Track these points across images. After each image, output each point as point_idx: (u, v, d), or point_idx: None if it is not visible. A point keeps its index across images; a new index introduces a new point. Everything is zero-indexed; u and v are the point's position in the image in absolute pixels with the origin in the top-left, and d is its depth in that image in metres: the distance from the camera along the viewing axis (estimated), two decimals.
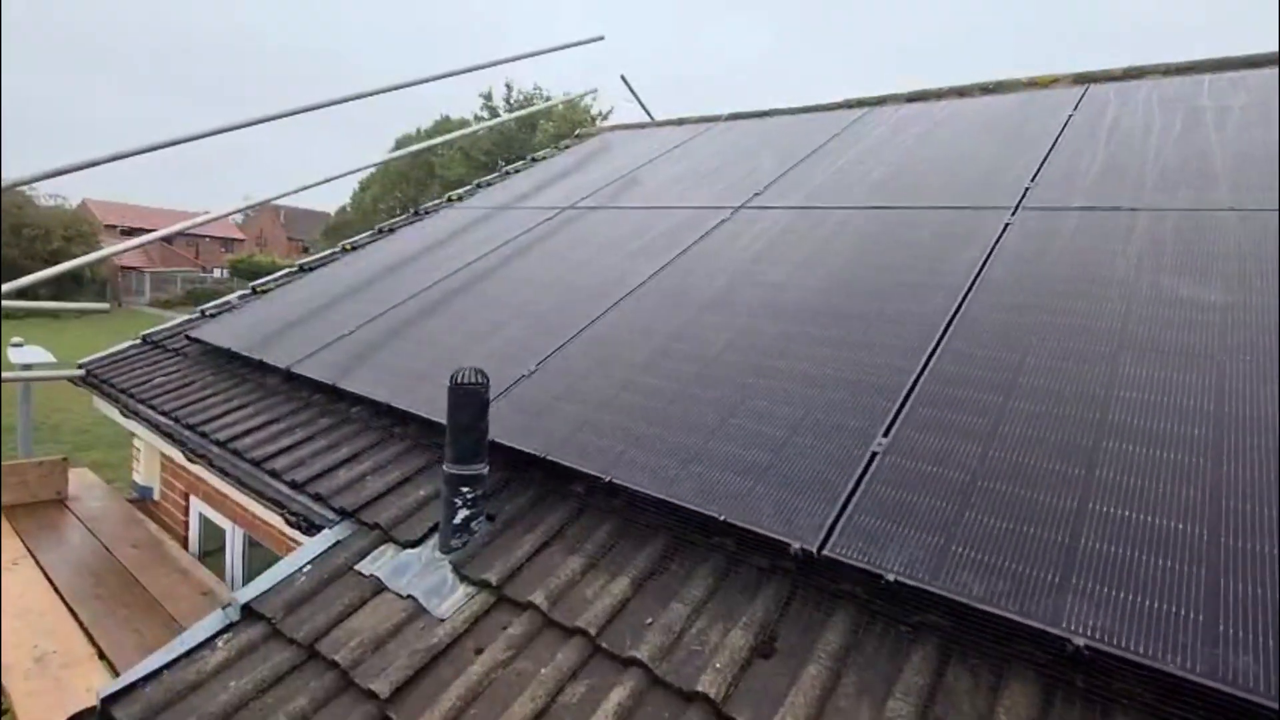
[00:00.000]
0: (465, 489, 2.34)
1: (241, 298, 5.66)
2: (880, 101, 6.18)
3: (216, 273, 48.45)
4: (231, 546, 4.11)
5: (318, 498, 2.77)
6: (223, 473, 3.30)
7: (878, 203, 3.74)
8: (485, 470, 2.38)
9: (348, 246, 6.30)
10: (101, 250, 5.04)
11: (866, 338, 2.57)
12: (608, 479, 2.24)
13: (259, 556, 4.00)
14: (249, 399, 3.83)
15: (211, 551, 4.44)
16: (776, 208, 4.04)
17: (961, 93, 5.77)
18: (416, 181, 41.88)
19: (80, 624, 3.24)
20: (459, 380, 2.32)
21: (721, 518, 1.96)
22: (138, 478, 4.94)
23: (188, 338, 4.73)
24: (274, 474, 3.03)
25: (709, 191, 4.67)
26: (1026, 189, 3.42)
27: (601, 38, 8.13)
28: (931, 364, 2.34)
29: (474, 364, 3.17)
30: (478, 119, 41.14)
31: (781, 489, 2.00)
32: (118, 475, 7.66)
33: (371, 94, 6.31)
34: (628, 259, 3.89)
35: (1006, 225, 3.12)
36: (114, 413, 4.54)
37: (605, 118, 41.69)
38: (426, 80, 6.70)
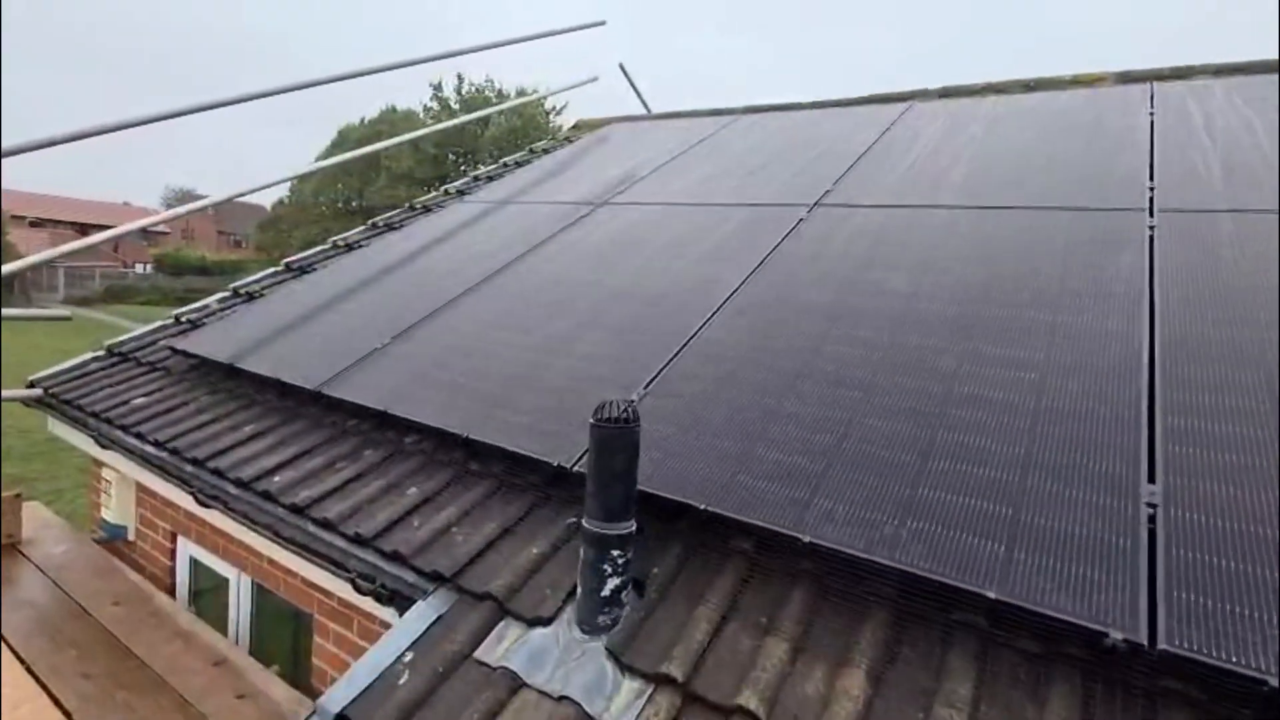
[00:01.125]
0: (615, 552, 1.88)
1: (223, 301, 4.96)
2: (904, 98, 5.93)
3: (139, 268, 45.31)
4: (237, 598, 3.48)
5: (395, 557, 2.25)
6: (248, 520, 2.72)
7: (980, 202, 3.42)
8: (634, 528, 1.92)
9: (339, 244, 5.65)
10: (71, 244, 4.27)
11: (1061, 358, 2.23)
12: (806, 539, 1.82)
13: (270, 606, 3.41)
14: (266, 426, 3.23)
15: (199, 593, 3.80)
16: (862, 206, 3.69)
17: (1000, 89, 5.58)
18: (360, 173, 40.17)
19: (66, 715, 2.61)
20: (606, 415, 1.86)
21: (992, 594, 1.57)
22: (108, 515, 4.20)
23: (171, 349, 4.04)
24: (325, 524, 2.48)
25: (767, 188, 4.28)
26: (1151, 190, 3.16)
27: (603, 22, 7.65)
28: (1161, 392, 2.01)
29: (559, 383, 2.72)
30: (426, 110, 39.76)
31: (1044, 553, 1.62)
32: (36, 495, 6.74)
33: (328, 81, 5.53)
34: (704, 263, 3.46)
35: (1153, 228, 2.84)
36: (81, 441, 3.82)
37: (559, 113, 41.02)
38: (398, 66, 6.03)
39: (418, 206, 6.31)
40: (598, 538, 1.87)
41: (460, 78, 39.07)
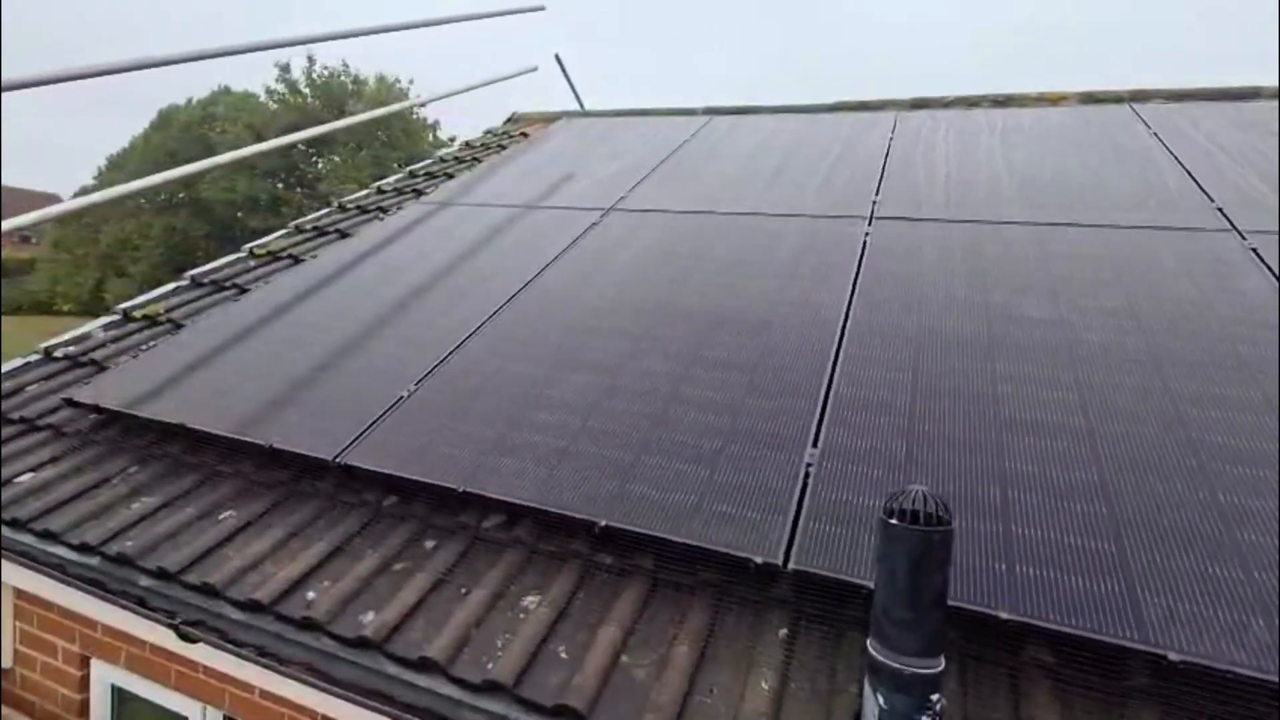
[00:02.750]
0: (936, 696, 1.40)
1: (112, 329, 3.79)
2: (877, 106, 5.87)
3: None
4: None
5: (560, 715, 1.60)
6: (273, 660, 1.90)
7: (1055, 219, 3.27)
8: (944, 663, 1.45)
9: (259, 252, 4.57)
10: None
11: None
12: (1181, 660, 1.44)
13: None
14: (255, 511, 2.36)
15: None
16: (926, 220, 3.42)
17: (971, 103, 5.64)
18: (190, 161, 35.37)
19: None
20: (915, 509, 1.38)
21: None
22: None
23: (69, 402, 2.94)
24: (422, 665, 1.75)
25: (803, 197, 3.92)
26: (1219, 208, 3.16)
27: (543, 7, 6.96)
28: None
29: (702, 444, 2.17)
30: (270, 93, 35.94)
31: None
32: None
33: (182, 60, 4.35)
34: (790, 282, 3.02)
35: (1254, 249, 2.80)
36: None
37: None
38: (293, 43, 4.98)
39: (349, 206, 5.31)
40: (918, 680, 1.38)
41: (311, 60, 35.63)
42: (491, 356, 2.78)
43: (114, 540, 2.30)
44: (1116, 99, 5.24)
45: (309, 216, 5.16)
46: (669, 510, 1.94)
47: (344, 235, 4.76)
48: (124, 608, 2.17)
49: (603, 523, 1.92)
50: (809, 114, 5.76)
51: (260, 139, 34.79)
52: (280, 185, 35.70)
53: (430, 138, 38.16)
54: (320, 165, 37.79)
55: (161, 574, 2.15)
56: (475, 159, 6.17)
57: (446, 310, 3.18)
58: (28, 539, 2.42)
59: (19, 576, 2.58)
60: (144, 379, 2.95)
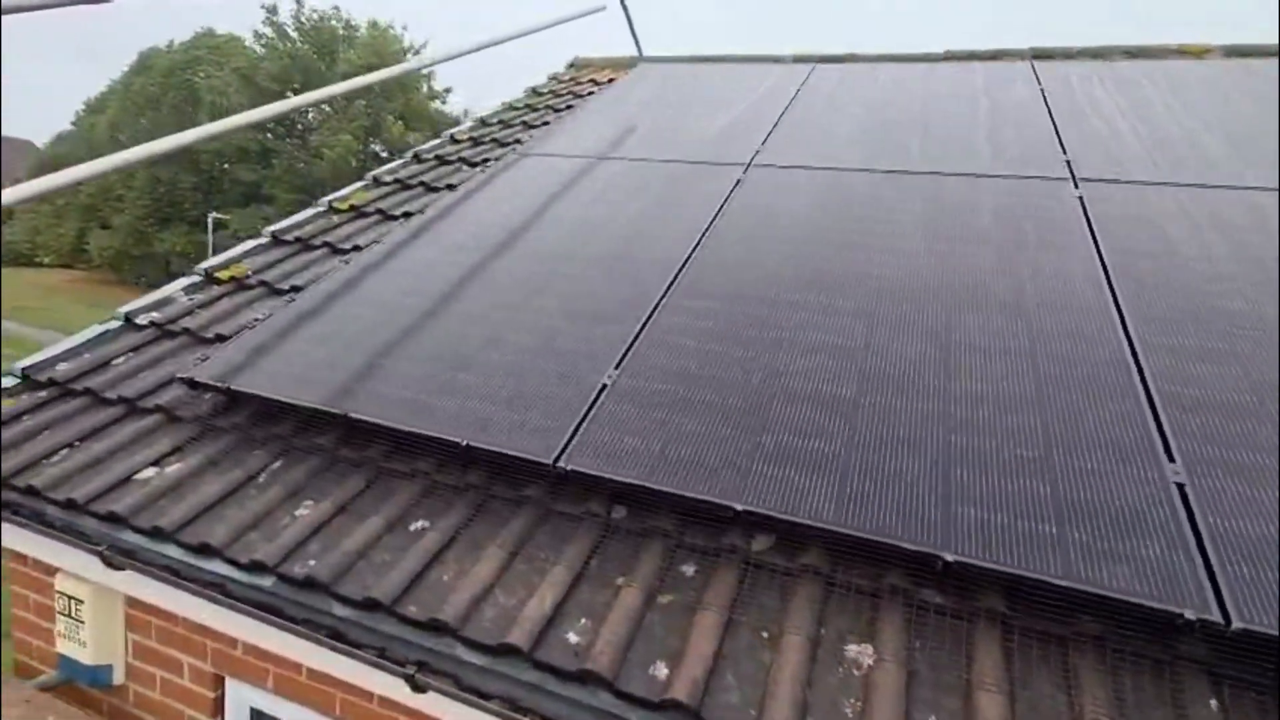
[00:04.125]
0: None
1: (194, 291, 3.31)
2: (991, 56, 5.38)
3: None
4: None
5: None
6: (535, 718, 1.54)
7: None
8: None
9: (339, 206, 4.07)
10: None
11: None
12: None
13: None
14: (452, 522, 1.96)
15: None
16: (1150, 183, 3.01)
17: (1097, 54, 5.17)
18: (174, 108, 33.89)
19: None
20: None
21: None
22: (73, 650, 2.59)
23: (189, 383, 2.49)
24: None
25: (982, 155, 3.47)
26: None
27: None
28: None
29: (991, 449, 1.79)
30: (258, 36, 34.23)
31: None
32: None
33: None
34: (1020, 252, 2.62)
35: None
36: (71, 559, 2.26)
37: (418, 51, 37.05)
38: None
39: (426, 157, 4.78)
40: None
41: (299, 2, 33.89)
42: (685, 336, 2.37)
43: (293, 558, 1.90)
44: (1265, 52, 4.81)
45: (385, 168, 4.63)
46: (1020, 540, 1.57)
47: (431, 188, 4.27)
48: (317, 643, 1.78)
49: (949, 558, 1.55)
50: (916, 63, 5.26)
51: (248, 84, 33.40)
52: (269, 135, 34.30)
53: (425, 88, 36.73)
54: (311, 115, 36.29)
55: (370, 604, 1.76)
56: (550, 107, 5.64)
57: (610, 279, 2.75)
58: (174, 552, 2.01)
59: (147, 588, 2.18)
60: (272, 356, 2.51)
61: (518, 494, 2.04)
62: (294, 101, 3.39)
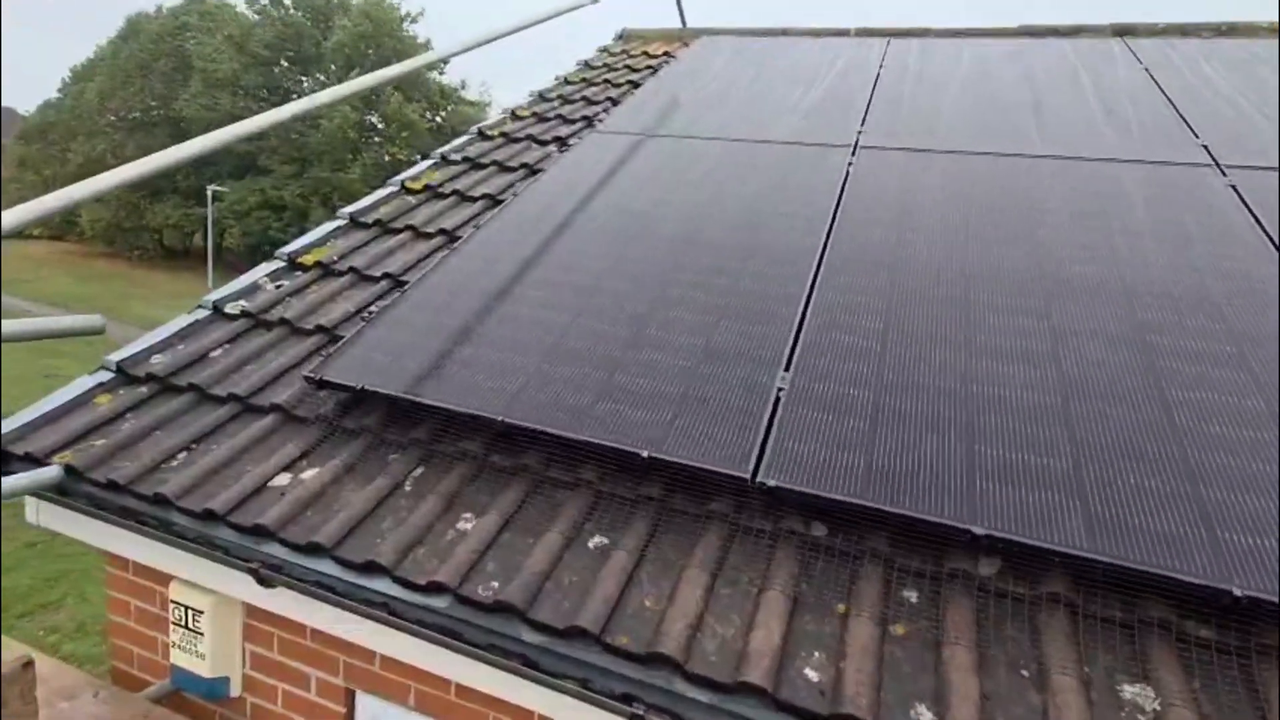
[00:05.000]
0: None
1: (278, 276, 3.12)
2: (1074, 33, 5.18)
3: None
4: None
5: None
6: None
7: None
8: None
9: (411, 186, 3.85)
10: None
11: None
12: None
13: None
14: (635, 540, 1.81)
15: None
16: None
17: (1186, 31, 4.99)
18: (165, 75, 32.90)
19: None
20: None
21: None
22: (188, 661, 2.45)
23: (319, 383, 2.31)
24: None
25: (1105, 136, 3.31)
26: None
27: None
28: None
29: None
30: (251, 2, 33.24)
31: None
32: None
33: None
34: (1184, 248, 2.47)
35: None
36: (191, 569, 2.10)
37: (415, 20, 36.08)
38: None
39: (492, 134, 4.56)
40: None
41: None
42: (850, 334, 2.22)
43: (472, 578, 1.75)
44: None
45: (451, 146, 4.41)
46: None
47: (505, 168, 4.07)
48: (511, 670, 1.65)
49: (1237, 592, 1.43)
50: (993, 38, 5.06)
51: (240, 51, 32.47)
52: (263, 105, 33.43)
53: None
54: (306, 85, 35.42)
55: (571, 632, 1.62)
56: (607, 81, 5.41)
57: (745, 270, 2.59)
58: (331, 568, 1.86)
59: (290, 604, 2.04)
60: (401, 353, 2.34)
61: (702, 509, 1.90)
62: (315, 99, 2.92)
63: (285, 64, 34.48)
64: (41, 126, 34.90)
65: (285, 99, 35.13)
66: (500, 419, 2.03)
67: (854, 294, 2.40)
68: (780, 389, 2.04)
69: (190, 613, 2.37)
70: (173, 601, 2.39)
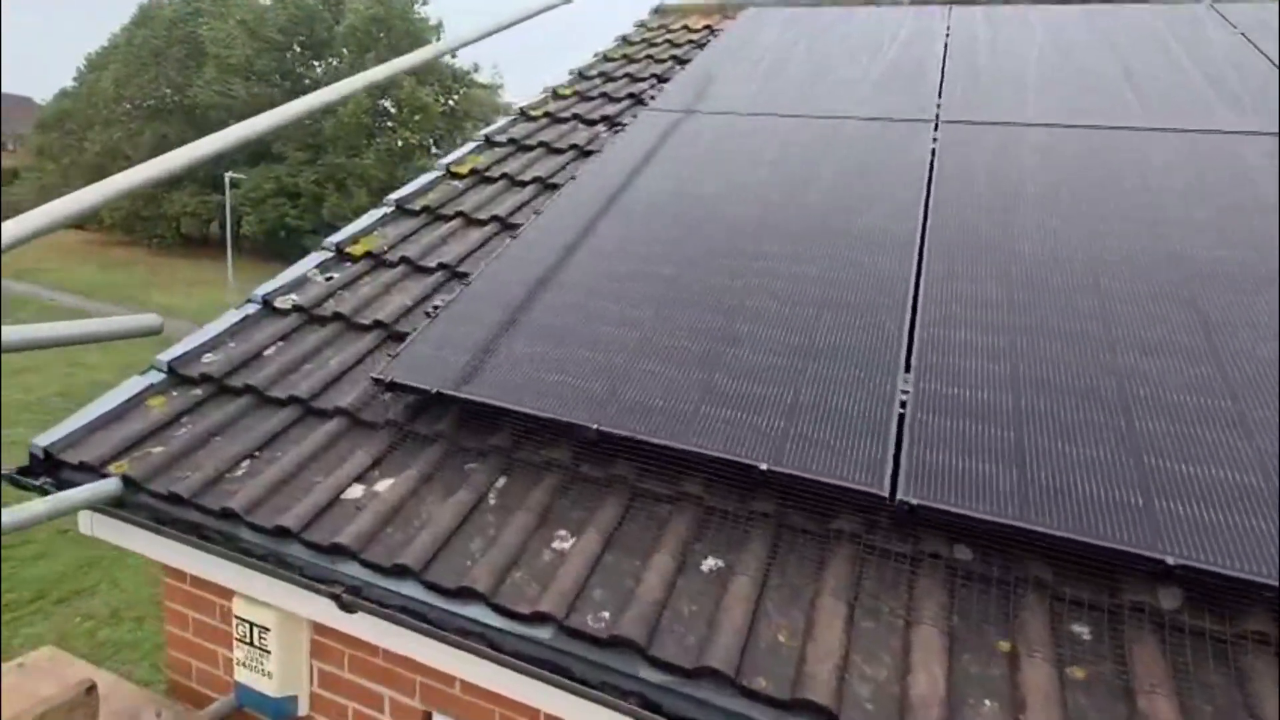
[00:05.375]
0: None
1: (326, 268, 2.95)
2: None
3: None
4: None
5: None
6: None
7: None
8: None
9: (457, 171, 3.65)
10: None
11: None
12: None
13: None
14: (752, 563, 1.64)
15: None
16: None
17: None
18: (178, 62, 32.77)
19: None
20: None
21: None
22: (253, 679, 2.31)
23: (389, 386, 2.14)
24: None
25: (1211, 109, 3.05)
26: None
27: None
28: None
29: None
30: None
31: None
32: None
33: None
34: None
35: None
36: (261, 586, 1.95)
37: (426, 2, 35.65)
38: None
39: (535, 115, 4.34)
40: None
41: None
42: (975, 331, 2.01)
43: (580, 607, 1.58)
44: None
45: (494, 127, 4.20)
46: None
47: (553, 149, 3.86)
48: (629, 715, 1.48)
49: None
50: (1059, 5, 4.75)
51: (253, 36, 32.26)
52: (275, 91, 33.27)
53: (435, 40, 35.44)
54: (319, 70, 35.18)
55: (700, 672, 1.44)
56: (650, 57, 5.16)
57: (838, 258, 2.37)
58: (417, 593, 1.70)
59: (361, 625, 1.88)
60: (474, 353, 2.16)
61: (824, 527, 1.71)
62: (334, 89, 2.63)
63: (298, 49, 34.24)
64: (58, 115, 34.94)
65: (297, 84, 34.97)
66: (594, 426, 1.85)
67: (967, 283, 2.19)
68: (904, 391, 1.84)
69: (256, 629, 2.22)
70: (237, 617, 2.25)
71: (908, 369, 1.92)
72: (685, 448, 1.77)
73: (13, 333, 1.67)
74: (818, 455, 1.70)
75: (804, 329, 2.09)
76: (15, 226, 1.69)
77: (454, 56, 35.99)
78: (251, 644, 2.25)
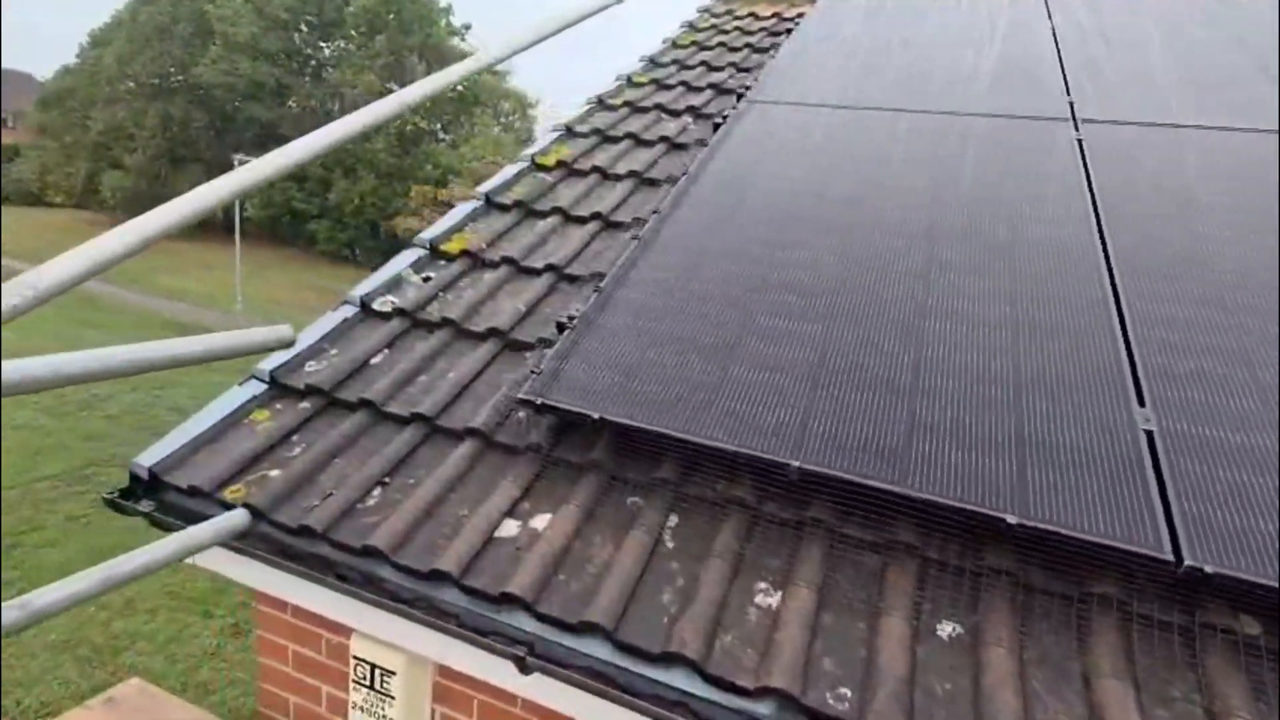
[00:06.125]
0: None
1: (421, 267, 2.71)
2: None
3: None
4: None
5: None
6: None
7: None
8: None
9: (544, 163, 3.41)
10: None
11: None
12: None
13: None
14: (993, 624, 1.43)
15: None
16: None
17: None
18: (184, 39, 32.21)
19: None
20: None
21: None
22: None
23: (545, 410, 1.91)
24: None
25: None
26: None
27: None
28: None
29: None
30: None
31: None
32: None
33: None
34: None
35: None
36: (389, 627, 1.73)
37: None
38: None
39: (615, 104, 4.08)
40: None
41: None
42: (1205, 358, 1.79)
43: (812, 682, 1.36)
44: None
45: (574, 117, 3.94)
46: None
47: (642, 141, 3.62)
48: None
49: None
50: None
51: (260, 14, 31.69)
52: (281, 70, 32.77)
53: (444, 22, 34.93)
54: (327, 50, 34.66)
55: None
56: (723, 45, 4.91)
57: (1014, 273, 2.15)
58: (607, 654, 1.48)
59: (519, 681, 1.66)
60: (632, 371, 1.92)
61: (1077, 589, 1.49)
62: (390, 102, 2.13)
63: (305, 29, 33.71)
64: (60, 93, 34.38)
65: (305, 65, 34.43)
66: (794, 464, 1.62)
67: (1181, 306, 1.97)
68: (1145, 430, 1.63)
69: (379, 672, 2.00)
70: (356, 658, 2.03)
71: (1140, 403, 1.70)
72: (908, 494, 1.55)
73: (121, 355, 1.43)
74: (1071, 506, 1.48)
75: (1006, 355, 1.86)
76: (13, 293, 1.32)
77: (463, 39, 35.48)
78: (372, 687, 2.03)
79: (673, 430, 1.76)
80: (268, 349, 1.67)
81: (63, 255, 1.36)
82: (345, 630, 2.02)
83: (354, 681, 2.06)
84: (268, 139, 31.40)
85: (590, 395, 1.87)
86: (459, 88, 33.31)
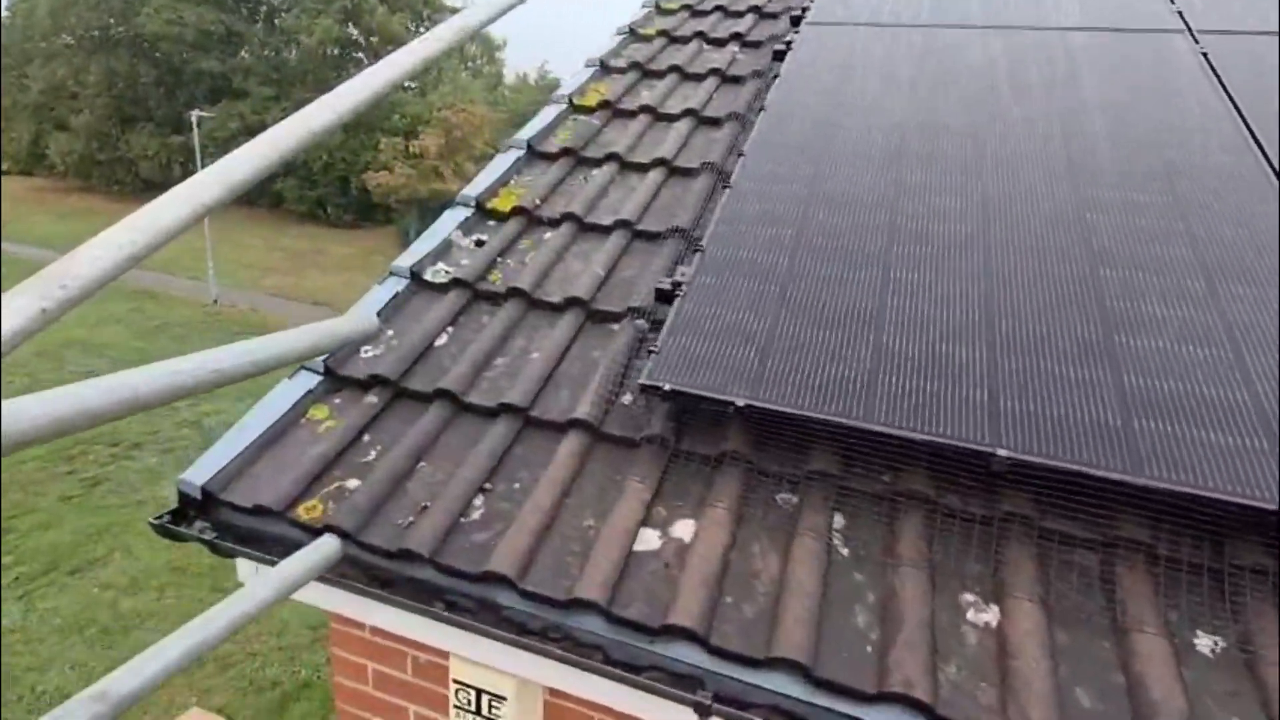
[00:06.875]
0: None
1: (470, 229, 2.36)
2: None
3: None
4: None
5: None
6: None
7: None
8: None
9: (577, 103, 3.01)
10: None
11: None
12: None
13: None
14: None
15: None
16: None
17: None
18: None
19: None
20: None
21: None
22: None
23: (663, 393, 1.61)
24: None
25: None
26: None
27: None
28: None
29: None
30: None
31: None
32: None
33: None
34: None
35: None
36: (501, 655, 1.47)
37: None
38: None
39: (651, 35, 3.65)
40: None
41: None
42: None
43: None
44: None
45: (608, 50, 3.51)
46: None
47: (688, 75, 3.22)
48: None
49: None
50: None
51: None
52: (232, 17, 30.72)
53: None
54: None
55: None
56: None
57: (1183, 211, 1.87)
58: (799, 691, 1.23)
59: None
60: (766, 347, 1.63)
61: None
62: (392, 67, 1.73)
63: None
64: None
65: (255, 10, 32.29)
66: (1002, 453, 1.36)
67: None
68: None
69: (487, 698, 1.75)
70: (458, 682, 1.78)
71: None
72: (1149, 484, 1.30)
73: (189, 368, 1.10)
74: None
75: (1208, 306, 1.60)
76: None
77: None
78: (478, 714, 1.79)
79: (836, 416, 1.48)
80: (355, 341, 1.35)
81: (92, 242, 1.02)
82: (437, 649, 1.77)
83: (455, 708, 1.81)
84: (221, 94, 29.66)
85: (721, 376, 1.57)
86: (420, 29, 31.61)
